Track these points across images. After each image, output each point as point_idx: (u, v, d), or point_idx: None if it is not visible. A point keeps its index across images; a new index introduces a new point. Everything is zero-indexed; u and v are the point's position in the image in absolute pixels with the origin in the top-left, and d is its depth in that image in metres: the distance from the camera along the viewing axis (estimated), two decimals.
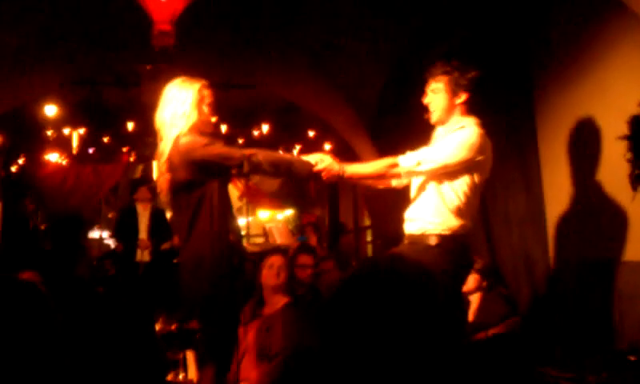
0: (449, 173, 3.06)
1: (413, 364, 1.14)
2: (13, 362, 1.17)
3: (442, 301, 1.27)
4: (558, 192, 4.11)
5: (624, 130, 3.28)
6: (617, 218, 3.53)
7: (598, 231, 3.71)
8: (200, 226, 3.08)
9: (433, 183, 3.12)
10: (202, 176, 3.07)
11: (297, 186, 11.03)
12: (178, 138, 3.07)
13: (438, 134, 3.27)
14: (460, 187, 3.07)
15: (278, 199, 11.19)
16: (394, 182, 3.48)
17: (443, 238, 3.06)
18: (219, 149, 3.10)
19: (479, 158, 3.06)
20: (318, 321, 1.27)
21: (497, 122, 4.51)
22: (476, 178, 3.11)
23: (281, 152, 3.13)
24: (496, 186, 4.55)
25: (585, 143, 3.83)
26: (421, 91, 3.24)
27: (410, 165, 3.03)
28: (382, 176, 3.25)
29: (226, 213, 3.19)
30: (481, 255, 4.52)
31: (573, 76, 3.95)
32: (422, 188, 3.20)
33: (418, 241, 3.12)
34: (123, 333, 1.81)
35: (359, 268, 1.32)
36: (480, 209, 4.68)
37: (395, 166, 3.08)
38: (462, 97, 3.14)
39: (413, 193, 3.29)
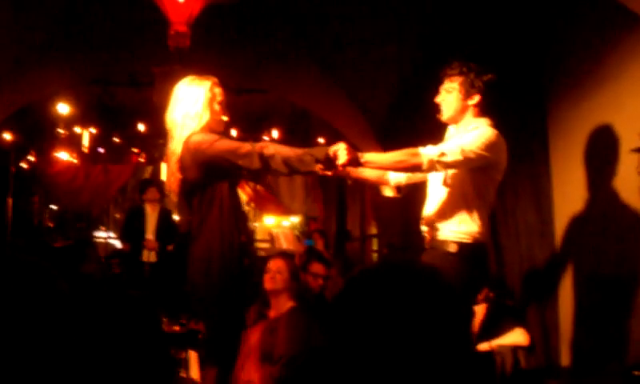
0: (468, 172, 3.04)
1: (418, 370, 1.13)
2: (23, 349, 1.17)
3: (456, 309, 1.25)
4: (568, 204, 4.09)
5: (637, 142, 3.27)
6: (627, 232, 3.51)
7: (608, 244, 3.68)
8: (210, 225, 3.04)
9: (452, 185, 3.09)
10: (212, 176, 3.04)
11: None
12: (189, 137, 3.04)
13: (450, 134, 3.26)
14: (479, 189, 3.05)
15: (286, 205, 11.20)
16: (404, 180, 3.43)
17: (463, 246, 3.03)
18: (228, 144, 3.04)
19: (497, 157, 3.05)
20: (322, 325, 1.26)
21: (509, 132, 4.50)
22: (493, 179, 3.10)
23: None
24: (506, 197, 4.54)
25: (596, 156, 3.82)
26: (432, 100, 3.24)
27: (432, 154, 2.90)
28: (400, 166, 3.06)
29: (237, 213, 3.14)
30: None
31: (586, 88, 3.94)
32: (440, 192, 3.17)
33: (438, 247, 3.09)
34: (132, 331, 1.82)
35: (366, 269, 1.30)
36: (489, 222, 4.68)
37: (416, 155, 2.92)
38: (475, 98, 3.13)
39: (431, 197, 3.25)
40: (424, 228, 3.23)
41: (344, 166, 2.90)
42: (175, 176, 3.13)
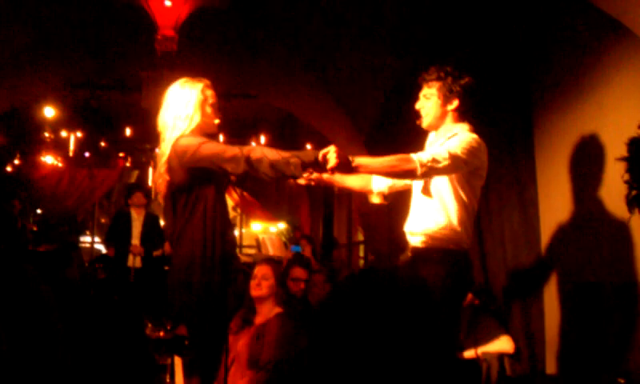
0: (449, 180, 3.03)
1: (403, 375, 1.13)
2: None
3: (440, 316, 1.25)
4: (553, 211, 4.12)
5: (622, 151, 3.29)
6: (612, 240, 3.53)
7: (593, 252, 3.70)
8: (192, 231, 3.00)
9: (435, 194, 3.09)
10: (198, 179, 3.00)
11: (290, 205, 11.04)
12: (177, 139, 3.01)
13: (430, 140, 3.26)
14: (460, 197, 3.05)
15: (272, 212, 11.19)
16: (386, 189, 3.44)
17: (447, 253, 3.02)
18: (214, 147, 2.97)
19: (479, 163, 3.05)
20: (308, 331, 1.25)
21: (495, 140, 4.53)
22: (474, 186, 3.10)
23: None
24: (491, 204, 4.56)
25: (582, 164, 3.85)
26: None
27: (425, 159, 2.85)
28: (393, 171, 2.97)
29: (222, 220, 3.09)
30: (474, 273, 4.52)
31: (572, 97, 3.97)
32: (422, 200, 3.16)
33: (423, 255, 3.08)
34: (114, 336, 1.81)
35: (350, 278, 1.30)
36: (475, 229, 4.70)
37: (409, 161, 2.86)
38: (454, 103, 3.13)
39: (414, 205, 3.25)
40: (408, 237, 3.23)
41: (334, 169, 2.77)
42: (163, 178, 3.08)
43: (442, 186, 3.07)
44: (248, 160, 2.86)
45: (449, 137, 3.06)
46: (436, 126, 3.19)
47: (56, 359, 1.24)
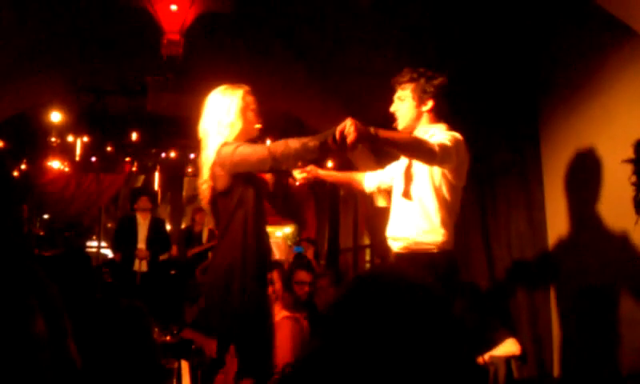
0: (429, 182, 3.01)
1: (415, 379, 1.12)
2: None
3: (451, 319, 1.23)
4: (560, 215, 4.10)
5: (629, 153, 3.28)
6: (619, 242, 3.52)
7: (600, 255, 3.69)
8: (232, 235, 3.06)
9: (416, 197, 3.06)
10: (240, 185, 3.06)
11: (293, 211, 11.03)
12: (221, 146, 3.06)
13: None
14: (441, 198, 3.02)
15: (278, 216, 11.19)
16: (375, 188, 3.53)
17: (430, 256, 2.99)
18: (243, 151, 3.01)
19: (461, 160, 3.02)
20: (315, 335, 1.24)
21: (501, 145, 4.53)
22: (458, 187, 3.07)
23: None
24: (498, 208, 4.55)
25: (589, 166, 3.83)
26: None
27: (437, 143, 2.82)
28: (415, 149, 2.86)
29: (260, 220, 3.15)
30: (479, 277, 4.51)
31: (578, 99, 3.96)
32: (403, 204, 3.14)
33: (406, 261, 3.05)
34: (122, 340, 1.80)
35: (357, 280, 1.28)
36: (481, 232, 4.68)
37: (427, 143, 2.81)
38: (429, 104, 3.11)
39: (395, 209, 3.22)
40: (390, 243, 3.21)
41: (354, 143, 2.60)
42: (207, 184, 3.13)
43: (424, 188, 3.04)
44: (274, 157, 2.90)
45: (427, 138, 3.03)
46: (412, 127, 3.16)
47: (66, 360, 1.24)
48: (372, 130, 2.64)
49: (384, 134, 2.69)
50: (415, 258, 3.01)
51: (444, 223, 3.02)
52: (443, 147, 2.85)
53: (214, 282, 3.06)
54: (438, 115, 3.15)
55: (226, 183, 3.05)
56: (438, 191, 3.02)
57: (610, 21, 3.40)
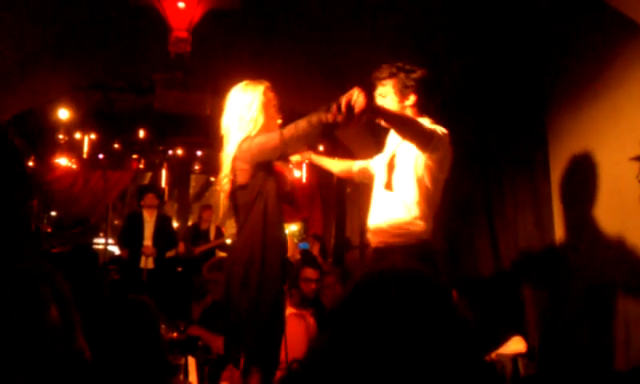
0: (411, 174, 3.03)
1: (424, 374, 1.12)
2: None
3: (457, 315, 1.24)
4: (567, 212, 4.09)
5: (637, 151, 3.27)
6: (627, 240, 3.51)
7: (608, 252, 3.68)
8: (251, 228, 3.09)
9: (397, 188, 3.07)
10: (260, 178, 3.10)
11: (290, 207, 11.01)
12: (242, 141, 3.10)
13: (392, 138, 3.24)
14: (423, 190, 3.03)
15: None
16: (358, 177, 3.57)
17: (409, 248, 2.99)
18: (259, 140, 3.08)
19: (445, 153, 3.02)
20: (321, 332, 1.24)
21: (509, 144, 4.52)
22: (440, 179, 3.08)
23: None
24: (505, 206, 4.54)
25: (596, 164, 3.82)
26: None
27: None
28: (412, 127, 2.89)
29: (279, 218, 3.18)
30: (486, 275, 4.51)
31: (586, 97, 3.95)
32: (382, 196, 3.14)
33: (386, 253, 3.06)
34: (130, 337, 1.82)
35: (372, 273, 1.29)
36: (489, 230, 4.68)
37: (423, 124, 2.90)
38: (411, 98, 3.11)
39: (375, 201, 3.22)
40: (369, 235, 3.21)
41: (362, 111, 2.55)
42: (228, 178, 3.18)
43: (406, 178, 3.04)
44: (284, 141, 2.97)
45: None
46: None
47: (76, 351, 1.25)
48: (374, 102, 2.70)
49: (383, 108, 2.80)
50: (395, 250, 3.01)
51: (424, 214, 3.03)
52: (436, 135, 2.89)
53: (233, 275, 3.08)
54: (422, 109, 3.14)
55: (246, 177, 3.10)
56: (420, 181, 3.02)
57: (618, 18, 3.39)
